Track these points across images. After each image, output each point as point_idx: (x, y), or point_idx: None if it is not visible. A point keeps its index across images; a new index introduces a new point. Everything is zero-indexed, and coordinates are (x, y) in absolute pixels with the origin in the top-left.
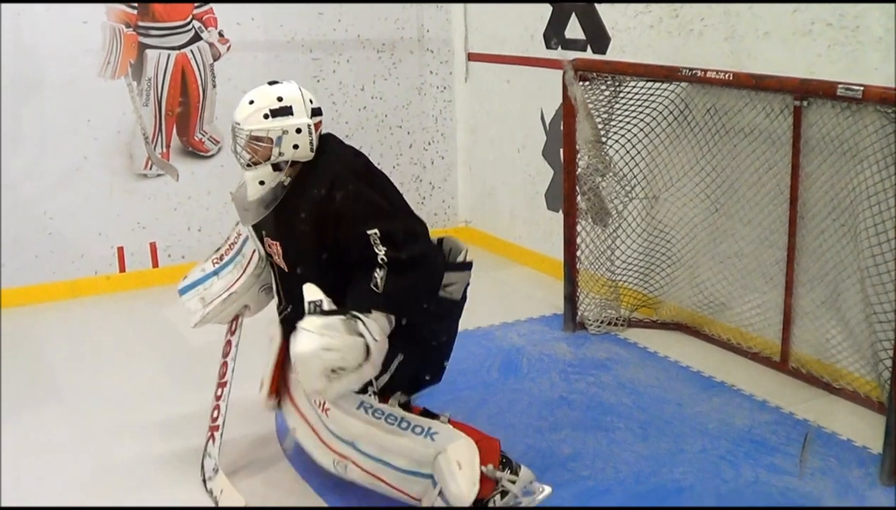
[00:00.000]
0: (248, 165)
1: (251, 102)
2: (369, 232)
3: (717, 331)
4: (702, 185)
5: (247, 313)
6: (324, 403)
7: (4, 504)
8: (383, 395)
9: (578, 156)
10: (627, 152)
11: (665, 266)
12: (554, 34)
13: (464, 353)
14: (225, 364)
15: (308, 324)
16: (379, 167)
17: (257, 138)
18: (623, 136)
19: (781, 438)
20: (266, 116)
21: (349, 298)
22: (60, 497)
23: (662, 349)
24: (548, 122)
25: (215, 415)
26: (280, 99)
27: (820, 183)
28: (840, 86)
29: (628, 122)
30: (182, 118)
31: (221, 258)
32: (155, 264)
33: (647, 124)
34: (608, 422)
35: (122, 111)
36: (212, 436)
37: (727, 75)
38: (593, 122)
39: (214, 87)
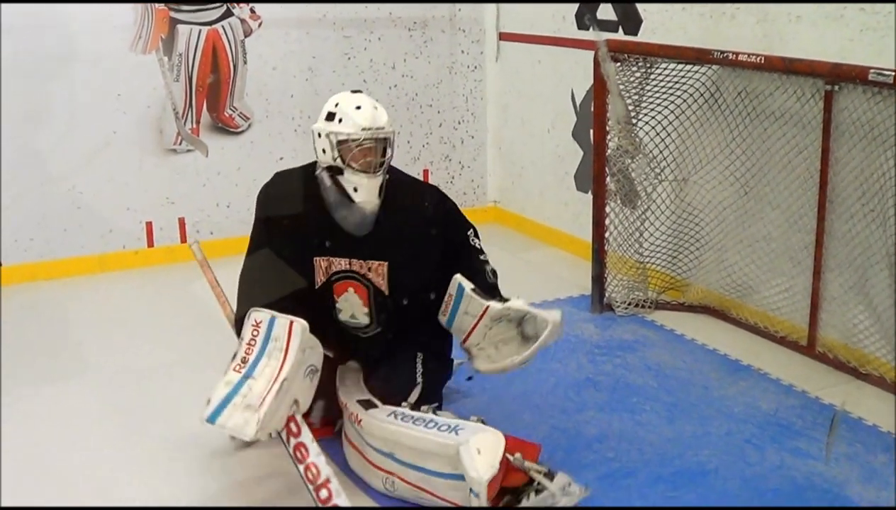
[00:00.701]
0: (376, 171)
1: (375, 107)
2: (468, 233)
3: (744, 314)
4: (731, 168)
5: (296, 410)
6: (357, 415)
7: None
8: (416, 407)
9: (608, 137)
10: (657, 134)
11: (693, 248)
12: (586, 15)
13: None
14: (313, 466)
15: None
16: (408, 145)
17: (391, 140)
18: (653, 117)
19: (807, 423)
20: None
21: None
22: (88, 468)
23: (689, 332)
24: (578, 102)
25: None
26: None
27: (850, 167)
28: (872, 70)
29: (659, 104)
30: (212, 94)
31: (244, 361)
32: (183, 240)
33: (678, 106)
34: (634, 403)
35: (152, 86)
36: None
37: (758, 58)
38: (624, 103)
39: (245, 63)
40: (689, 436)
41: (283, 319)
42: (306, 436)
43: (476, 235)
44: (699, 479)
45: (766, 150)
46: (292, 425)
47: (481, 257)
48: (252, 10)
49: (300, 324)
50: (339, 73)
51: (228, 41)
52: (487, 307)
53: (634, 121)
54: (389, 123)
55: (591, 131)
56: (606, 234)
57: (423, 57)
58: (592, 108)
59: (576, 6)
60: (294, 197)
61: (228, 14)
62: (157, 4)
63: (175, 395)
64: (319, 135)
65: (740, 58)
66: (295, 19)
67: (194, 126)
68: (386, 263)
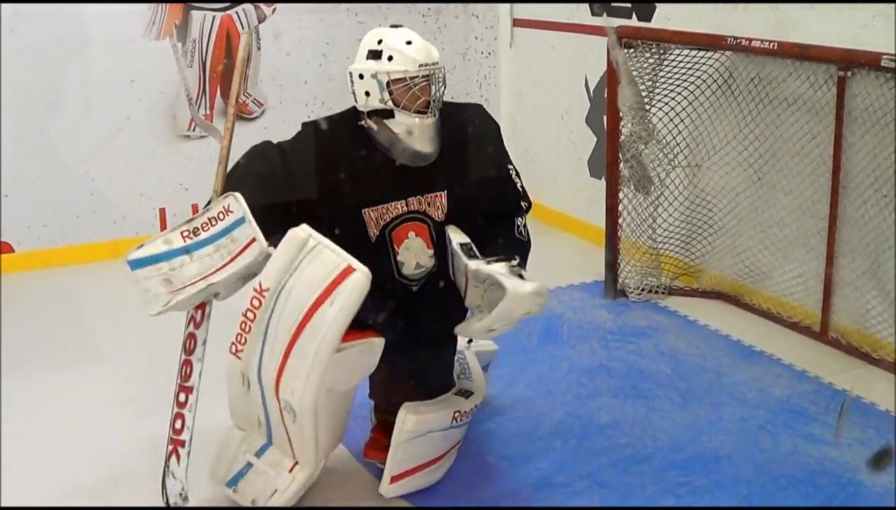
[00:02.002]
0: (432, 111)
1: (425, 40)
2: (510, 166)
3: (757, 300)
4: (744, 154)
5: (212, 300)
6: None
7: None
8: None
9: (622, 123)
10: (671, 120)
11: (706, 234)
12: (599, 1)
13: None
14: (189, 363)
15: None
16: None
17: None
18: (667, 103)
19: (820, 408)
20: None
21: (503, 246)
22: (101, 454)
23: (702, 317)
24: (591, 89)
25: (178, 426)
26: None
27: (863, 153)
28: (884, 57)
29: (672, 90)
30: (225, 80)
31: (195, 232)
32: None
33: (691, 93)
34: (647, 389)
35: (166, 72)
36: (175, 452)
37: (771, 45)
38: (637, 89)
39: (259, 49)
40: (703, 421)
41: (250, 228)
42: (202, 333)
43: (517, 174)
44: (712, 465)
45: (779, 135)
46: (198, 313)
47: (522, 204)
48: None
49: (261, 247)
50: (353, 59)
51: (242, 27)
52: (467, 266)
53: (648, 107)
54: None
55: (605, 117)
56: (620, 220)
57: (436, 43)
58: (606, 95)
59: None
60: (335, 149)
61: (242, 0)
62: None
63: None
64: (361, 76)
65: (753, 44)
66: (309, 5)
67: (208, 112)
68: (444, 193)
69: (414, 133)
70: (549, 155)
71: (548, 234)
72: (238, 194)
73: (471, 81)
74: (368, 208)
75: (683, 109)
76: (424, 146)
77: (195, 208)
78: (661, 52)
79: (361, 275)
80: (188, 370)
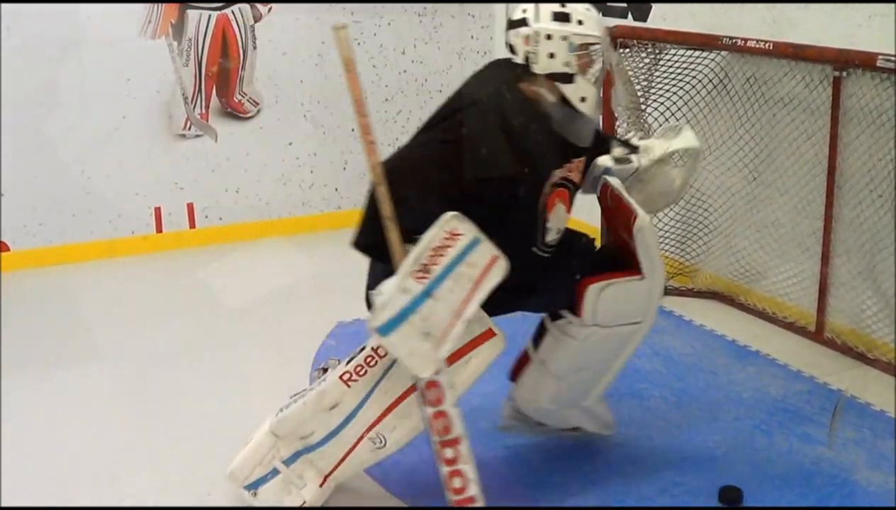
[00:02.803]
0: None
1: (587, 9)
2: None
3: (752, 300)
4: (740, 154)
5: None
6: None
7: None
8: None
9: (617, 123)
10: (666, 120)
11: (702, 234)
12: (595, 1)
13: (501, 319)
14: (443, 414)
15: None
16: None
17: None
18: (662, 103)
19: (815, 408)
20: None
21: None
22: (98, 454)
23: (698, 317)
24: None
25: (458, 485)
26: None
27: (858, 153)
28: (880, 57)
29: (667, 90)
30: (222, 79)
31: (426, 270)
32: (192, 225)
33: (687, 92)
34: (642, 389)
35: (161, 71)
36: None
37: (767, 45)
38: (632, 89)
39: (255, 48)
40: (698, 421)
41: (487, 248)
42: (446, 378)
43: None
44: (707, 465)
45: (774, 135)
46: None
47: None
48: None
49: (503, 263)
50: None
51: (238, 26)
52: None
53: (643, 107)
54: None
55: (600, 117)
56: None
57: (432, 42)
58: (601, 94)
59: None
60: (521, 116)
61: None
62: None
63: (183, 381)
64: (549, 36)
65: (749, 44)
66: (305, 4)
67: (203, 111)
68: (585, 157)
69: (587, 100)
70: None
71: None
72: (455, 215)
73: None
74: (544, 178)
75: (679, 109)
76: (592, 112)
77: (190, 207)
78: (657, 51)
79: (498, 342)
80: (444, 423)
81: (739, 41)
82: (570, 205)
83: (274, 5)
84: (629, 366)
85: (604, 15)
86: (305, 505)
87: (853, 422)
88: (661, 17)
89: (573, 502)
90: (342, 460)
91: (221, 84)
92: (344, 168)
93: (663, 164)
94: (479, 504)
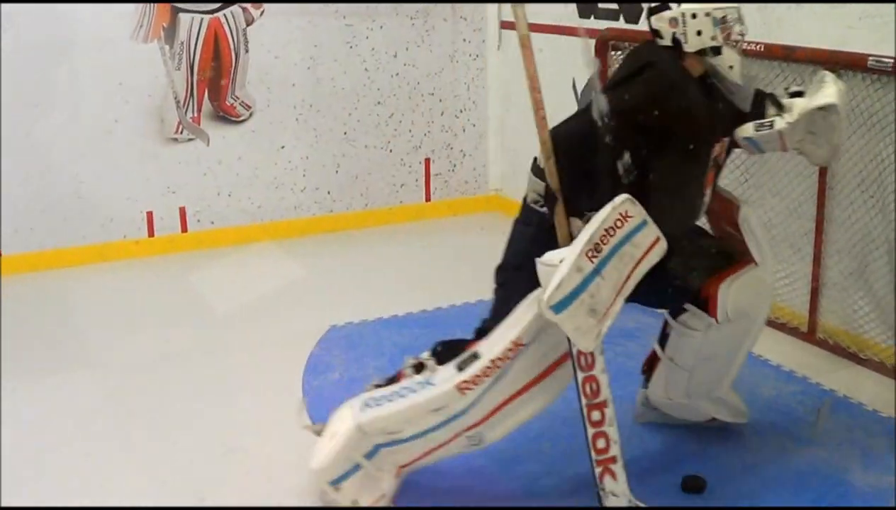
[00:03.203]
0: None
1: None
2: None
3: None
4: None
5: None
6: None
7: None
8: None
9: None
10: None
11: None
12: (587, 4)
13: None
14: (592, 379)
15: None
16: (410, 134)
17: None
18: None
19: (808, 409)
20: None
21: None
22: (89, 459)
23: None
24: (579, 91)
25: (602, 445)
26: None
27: (850, 154)
28: (870, 58)
29: None
30: (214, 83)
31: (598, 249)
32: (184, 229)
33: None
34: (635, 391)
35: (153, 75)
36: (607, 471)
37: (758, 46)
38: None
39: (247, 52)
40: (691, 422)
41: (652, 230)
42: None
43: None
44: (700, 466)
45: None
46: None
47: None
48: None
49: (663, 245)
50: (341, 62)
51: (230, 29)
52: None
53: None
54: None
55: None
56: None
57: (424, 45)
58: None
59: None
60: (689, 88)
61: (230, 2)
62: None
63: (176, 386)
64: (695, 15)
65: (740, 46)
66: (297, 8)
67: (195, 115)
68: (728, 138)
69: (734, 67)
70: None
71: None
72: (628, 198)
73: (459, 83)
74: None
75: None
76: (739, 78)
77: (182, 211)
78: None
79: (661, 245)
80: (594, 386)
81: None
82: (715, 180)
83: (266, 8)
84: (621, 367)
85: (594, 17)
86: (383, 496)
87: (845, 422)
88: None
89: (566, 503)
90: (426, 454)
91: (213, 88)
92: (336, 171)
93: (816, 116)
94: (620, 463)
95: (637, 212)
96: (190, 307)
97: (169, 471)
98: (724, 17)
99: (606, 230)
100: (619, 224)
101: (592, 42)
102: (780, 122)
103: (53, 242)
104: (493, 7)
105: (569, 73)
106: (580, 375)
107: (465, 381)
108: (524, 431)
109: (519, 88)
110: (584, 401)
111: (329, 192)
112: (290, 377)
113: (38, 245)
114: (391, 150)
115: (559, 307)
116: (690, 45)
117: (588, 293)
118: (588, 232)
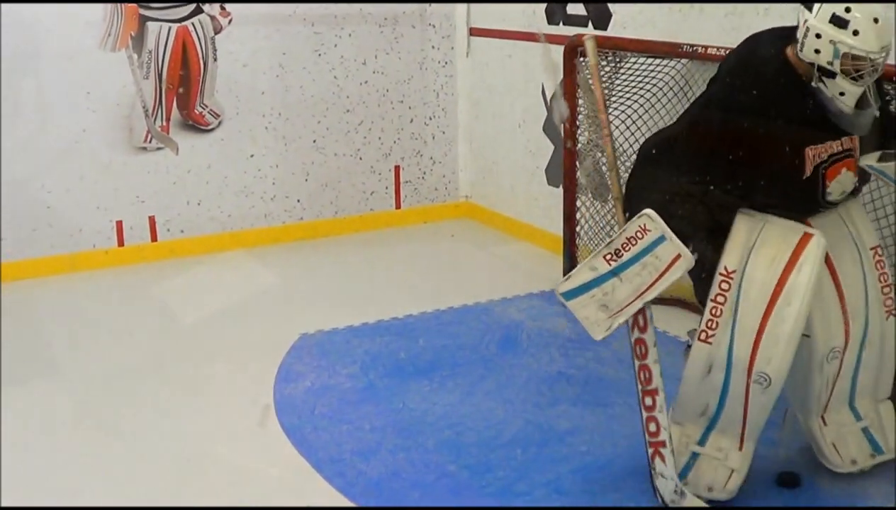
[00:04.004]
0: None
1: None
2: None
3: None
4: None
5: (648, 306)
6: None
7: (4, 504)
8: None
9: (578, 131)
10: (628, 128)
11: None
12: (556, 9)
13: (463, 328)
14: (645, 368)
15: None
16: (380, 141)
17: None
18: (623, 112)
19: (782, 415)
20: None
21: None
22: (56, 470)
23: (661, 324)
24: (549, 97)
25: (653, 429)
26: None
27: None
28: None
29: (629, 98)
30: (182, 91)
31: (617, 254)
32: (154, 238)
33: (648, 100)
34: (606, 397)
35: (121, 84)
36: (657, 454)
37: (727, 51)
38: (593, 98)
39: (215, 60)
40: None
41: (674, 245)
42: (650, 337)
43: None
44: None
45: None
46: (640, 318)
47: None
48: (222, 7)
49: (685, 262)
50: (310, 70)
51: (198, 38)
52: None
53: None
54: None
55: (562, 126)
56: (578, 228)
57: (393, 53)
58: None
59: (546, 1)
60: (776, 86)
61: (198, 11)
62: (126, 1)
63: (145, 397)
64: (819, 36)
65: (710, 51)
66: (265, 16)
67: (164, 124)
68: (858, 137)
69: (845, 95)
70: (506, 163)
71: (505, 242)
72: (652, 213)
73: (428, 90)
74: (810, 147)
75: (640, 117)
76: (849, 109)
77: (152, 220)
78: (618, 60)
79: (820, 239)
80: (647, 374)
81: (700, 49)
82: (857, 169)
83: (234, 16)
84: (592, 373)
85: (564, 24)
86: (734, 473)
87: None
88: (621, 26)
89: None
90: (745, 416)
91: (182, 96)
92: (306, 179)
93: None
94: (669, 448)
95: (655, 226)
96: (160, 316)
97: (137, 480)
98: (850, 54)
99: (628, 239)
100: (639, 235)
101: (552, 47)
102: None
103: (22, 252)
104: (461, 14)
105: (538, 78)
106: (636, 363)
107: (701, 331)
108: (495, 438)
109: (488, 95)
110: (639, 387)
111: (299, 200)
112: (262, 385)
113: (6, 256)
114: (361, 158)
115: (569, 295)
116: (803, 54)
117: (601, 290)
118: (614, 239)
